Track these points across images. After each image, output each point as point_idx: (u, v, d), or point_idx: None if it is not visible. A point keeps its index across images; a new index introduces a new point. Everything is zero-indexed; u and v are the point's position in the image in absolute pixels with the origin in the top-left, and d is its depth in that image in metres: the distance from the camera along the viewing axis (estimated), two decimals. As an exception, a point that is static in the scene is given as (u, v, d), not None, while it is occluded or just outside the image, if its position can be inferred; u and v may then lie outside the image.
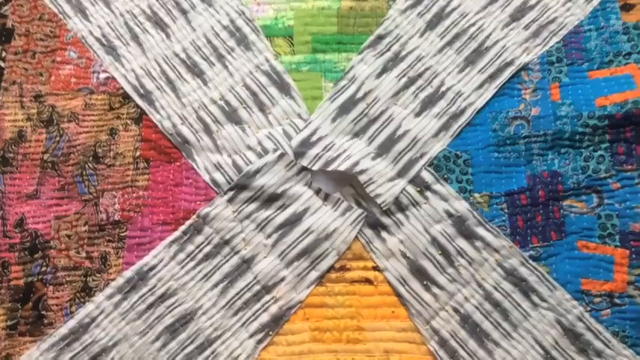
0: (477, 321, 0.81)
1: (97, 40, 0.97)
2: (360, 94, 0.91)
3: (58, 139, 0.91)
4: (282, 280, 0.84)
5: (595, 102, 0.87)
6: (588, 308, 0.79)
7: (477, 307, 0.81)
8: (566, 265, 0.82)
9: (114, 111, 0.93)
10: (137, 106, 0.93)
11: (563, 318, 0.79)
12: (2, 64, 0.95)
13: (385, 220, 0.86)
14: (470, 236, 0.84)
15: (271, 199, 0.87)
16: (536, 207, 0.84)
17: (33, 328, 0.82)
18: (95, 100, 0.93)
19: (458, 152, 0.88)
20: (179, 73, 0.94)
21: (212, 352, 0.80)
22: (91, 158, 0.90)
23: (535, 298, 0.81)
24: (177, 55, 0.95)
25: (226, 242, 0.85)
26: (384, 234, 0.86)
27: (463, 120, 0.89)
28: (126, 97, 0.93)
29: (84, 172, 0.89)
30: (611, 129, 0.85)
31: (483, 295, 0.81)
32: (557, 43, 0.92)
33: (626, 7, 0.92)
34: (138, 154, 0.90)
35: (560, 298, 0.80)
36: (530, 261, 0.82)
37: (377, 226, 0.86)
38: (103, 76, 0.95)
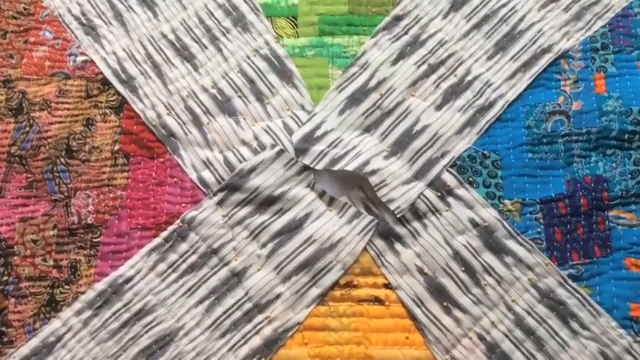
0: (506, 351, 0.77)
1: (76, 18, 0.95)
2: (372, 83, 0.89)
3: (27, 129, 0.88)
4: (278, 297, 0.80)
5: (647, 96, 0.87)
6: (638, 338, 0.76)
7: (506, 335, 0.78)
8: (612, 286, 0.78)
9: (91, 99, 0.90)
10: (118, 93, 0.91)
11: (608, 349, 0.76)
12: (-31, 45, 0.94)
13: (399, 229, 0.83)
14: (499, 250, 0.81)
15: (267, 203, 0.84)
16: (577, 217, 0.82)
17: (-10, 347, 0.79)
18: (70, 86, 0.91)
19: (486, 152, 0.85)
20: (166, 56, 0.92)
21: (194, 381, 0.78)
22: (63, 152, 0.87)
23: (575, 326, 0.77)
24: (164, 37, 0.93)
25: (214, 252, 0.82)
26: (397, 246, 0.82)
27: (492, 114, 0.87)
28: (105, 83, 0.91)
29: (55, 168, 0.86)
30: (666, 127, 0.85)
31: (514, 321, 0.78)
32: (602, 27, 0.91)
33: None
34: (117, 148, 0.88)
35: (604, 325, 0.77)
36: (570, 281, 0.79)
37: (389, 237, 0.83)
38: (80, 59, 0.92)
